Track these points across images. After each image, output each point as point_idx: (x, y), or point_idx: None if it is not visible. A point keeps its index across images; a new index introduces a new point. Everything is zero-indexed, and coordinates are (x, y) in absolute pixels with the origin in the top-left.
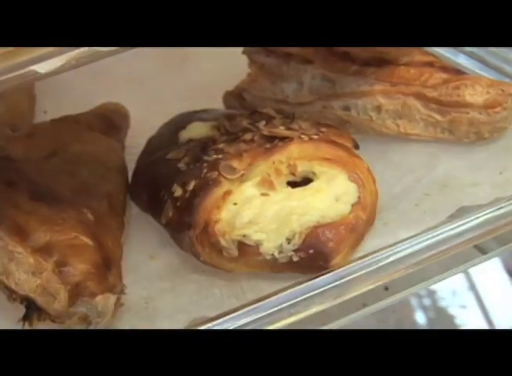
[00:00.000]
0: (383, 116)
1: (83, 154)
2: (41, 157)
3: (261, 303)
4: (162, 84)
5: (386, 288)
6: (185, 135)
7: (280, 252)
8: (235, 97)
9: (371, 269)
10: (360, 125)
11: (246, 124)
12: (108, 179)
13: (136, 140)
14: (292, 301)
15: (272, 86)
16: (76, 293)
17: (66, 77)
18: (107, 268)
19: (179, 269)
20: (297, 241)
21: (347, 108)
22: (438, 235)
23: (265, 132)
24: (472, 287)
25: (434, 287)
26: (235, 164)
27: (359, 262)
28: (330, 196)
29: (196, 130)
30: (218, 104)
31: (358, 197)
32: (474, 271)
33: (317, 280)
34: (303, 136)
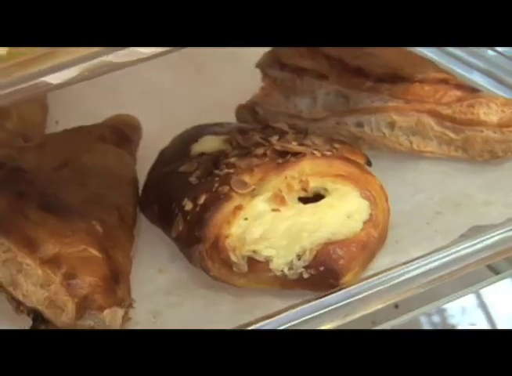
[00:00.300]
0: (396, 133)
1: (94, 166)
2: (51, 167)
3: (270, 320)
4: (175, 97)
5: (396, 306)
6: (198, 148)
7: (290, 269)
8: (248, 111)
9: (382, 287)
10: (373, 142)
11: (258, 139)
12: (119, 191)
13: (148, 152)
14: (301, 319)
15: (285, 101)
16: (84, 306)
17: (79, 88)
18: (116, 281)
19: (188, 284)
20: (307, 258)
21: (360, 124)
22: (450, 254)
23: (278, 147)
24: (482, 305)
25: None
26: (246, 178)
27: (370, 280)
28: (342, 213)
29: (209, 144)
30: (230, 118)
31: (370, 215)
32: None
33: (327, 297)
34: (315, 152)
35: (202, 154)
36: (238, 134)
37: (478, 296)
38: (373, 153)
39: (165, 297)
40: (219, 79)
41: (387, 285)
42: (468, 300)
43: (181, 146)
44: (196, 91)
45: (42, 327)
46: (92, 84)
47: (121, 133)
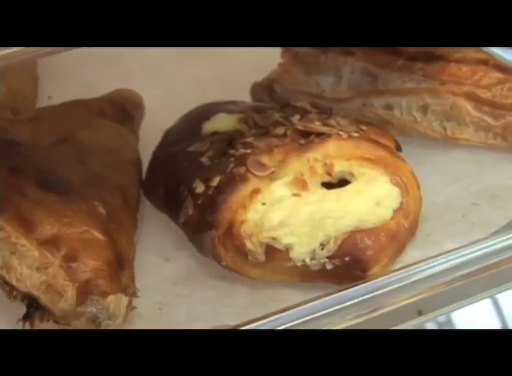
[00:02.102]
0: (429, 117)
1: (94, 143)
2: (48, 142)
3: (286, 313)
4: (180, 72)
5: (420, 313)
6: (210, 127)
7: (312, 258)
8: (264, 89)
9: (411, 280)
10: (403, 127)
11: (278, 118)
12: (121, 172)
13: (151, 132)
14: (321, 313)
15: (306, 78)
16: (85, 291)
17: (74, 61)
18: (120, 266)
19: (197, 274)
20: (332, 247)
21: (389, 107)
22: (486, 247)
23: (300, 127)
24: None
25: None
26: (265, 160)
27: (398, 273)
28: (370, 199)
29: (222, 122)
30: (243, 97)
31: (401, 203)
32: None
33: (351, 290)
34: (341, 133)
35: (214, 133)
36: (255, 112)
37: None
38: (402, 140)
39: (172, 287)
40: (230, 53)
41: (416, 278)
42: None
43: (190, 125)
44: (203, 66)
45: (37, 314)
46: (89, 56)
47: (123, 109)
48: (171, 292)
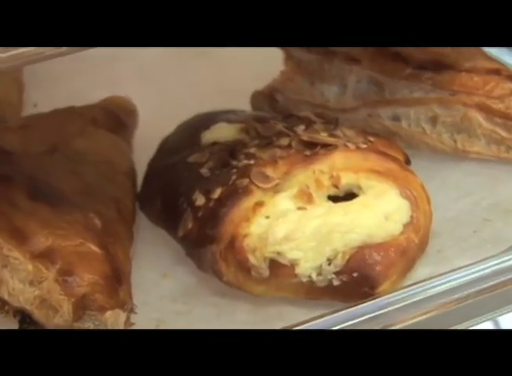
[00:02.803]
0: (438, 129)
1: (87, 152)
2: (39, 151)
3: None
4: (175, 78)
5: None
6: (209, 136)
7: (319, 274)
8: (265, 98)
9: (421, 297)
10: (411, 139)
11: (281, 128)
12: (115, 183)
13: (144, 141)
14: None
15: (310, 87)
16: (82, 306)
17: (62, 67)
18: (117, 281)
19: (196, 291)
20: (339, 262)
21: (396, 118)
22: (498, 264)
23: (305, 138)
24: None
25: None
26: (269, 171)
27: (408, 289)
28: (379, 213)
29: (222, 132)
30: (241, 106)
31: (411, 217)
32: None
33: (359, 307)
34: (349, 144)
35: (214, 143)
36: (256, 122)
37: None
38: (411, 153)
39: (170, 304)
40: (229, 59)
41: (427, 295)
42: None
43: (189, 134)
44: (200, 73)
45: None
46: (78, 61)
47: (116, 117)
48: (170, 309)
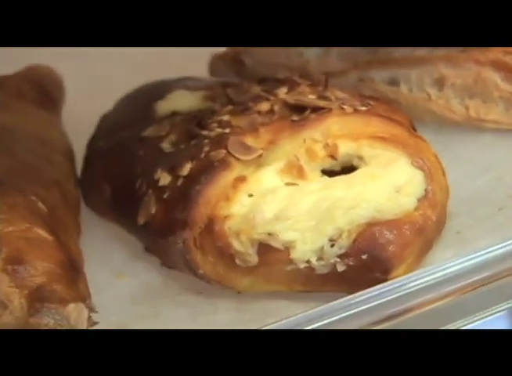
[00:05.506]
0: (446, 93)
1: (15, 128)
2: None
3: (281, 322)
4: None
5: None
6: (166, 107)
7: (320, 259)
8: (228, 62)
9: (440, 279)
10: (413, 106)
11: (259, 92)
12: (53, 164)
13: (72, 117)
14: (333, 318)
15: (285, 47)
16: (38, 298)
17: None
18: (75, 271)
19: (162, 290)
20: (344, 243)
21: (394, 81)
22: None
23: (291, 101)
24: None
25: None
26: (249, 141)
27: (424, 272)
28: (388, 185)
29: (182, 100)
30: (196, 72)
31: (425, 191)
32: None
33: (365, 293)
34: (345, 107)
35: (174, 114)
36: (227, 87)
37: None
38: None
39: (131, 307)
40: None
41: (446, 277)
42: None
43: (138, 106)
44: None
45: None
46: None
47: (42, 89)
48: (131, 312)
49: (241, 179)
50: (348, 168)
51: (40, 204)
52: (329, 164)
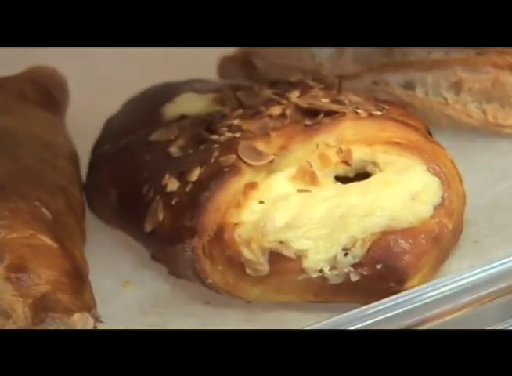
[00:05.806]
0: (463, 98)
1: (17, 131)
2: None
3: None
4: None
5: None
6: (174, 110)
7: (333, 268)
8: (238, 64)
9: (457, 290)
10: (429, 111)
11: (270, 95)
12: (57, 168)
13: (77, 120)
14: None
15: (297, 49)
16: (42, 308)
17: None
18: (80, 279)
19: (170, 299)
20: (358, 252)
21: (410, 85)
22: None
23: (303, 105)
24: None
25: None
26: (260, 146)
27: (441, 283)
28: (404, 192)
29: (191, 104)
30: (205, 74)
31: (442, 198)
32: None
33: (379, 304)
34: (359, 111)
35: (182, 117)
36: (237, 90)
37: None
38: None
39: (138, 316)
40: None
41: (464, 287)
42: None
43: (145, 110)
44: None
45: None
46: None
47: (45, 91)
48: (139, 322)
49: (252, 186)
50: (362, 175)
51: (44, 210)
52: (342, 170)
